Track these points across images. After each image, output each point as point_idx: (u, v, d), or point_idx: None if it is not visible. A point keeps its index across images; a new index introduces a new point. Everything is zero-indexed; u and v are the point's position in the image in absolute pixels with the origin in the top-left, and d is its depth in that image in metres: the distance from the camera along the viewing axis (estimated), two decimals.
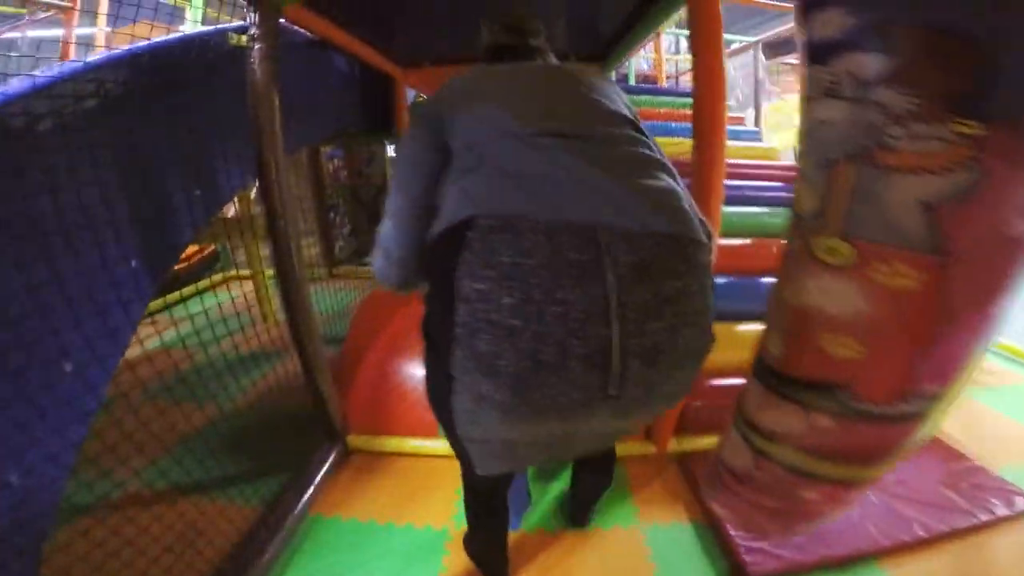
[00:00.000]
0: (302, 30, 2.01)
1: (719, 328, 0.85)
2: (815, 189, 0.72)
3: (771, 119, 5.25)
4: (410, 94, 3.76)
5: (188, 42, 1.49)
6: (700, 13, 1.42)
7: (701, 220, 0.83)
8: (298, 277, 1.71)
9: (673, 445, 1.96)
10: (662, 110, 3.27)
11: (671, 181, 0.84)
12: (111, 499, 1.52)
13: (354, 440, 2.04)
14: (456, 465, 1.13)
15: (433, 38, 2.50)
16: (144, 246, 1.28)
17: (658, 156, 0.88)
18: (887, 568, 1.47)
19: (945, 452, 1.89)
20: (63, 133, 1.03)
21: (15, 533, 0.89)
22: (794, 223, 0.79)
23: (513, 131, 0.81)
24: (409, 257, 0.96)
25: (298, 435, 2.00)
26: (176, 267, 3.74)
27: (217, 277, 4.69)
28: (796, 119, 0.78)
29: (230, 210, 2.96)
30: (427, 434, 1.97)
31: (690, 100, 1.49)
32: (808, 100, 0.72)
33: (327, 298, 2.78)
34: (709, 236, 0.83)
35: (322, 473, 1.83)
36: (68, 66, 1.12)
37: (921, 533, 1.51)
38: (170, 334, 1.74)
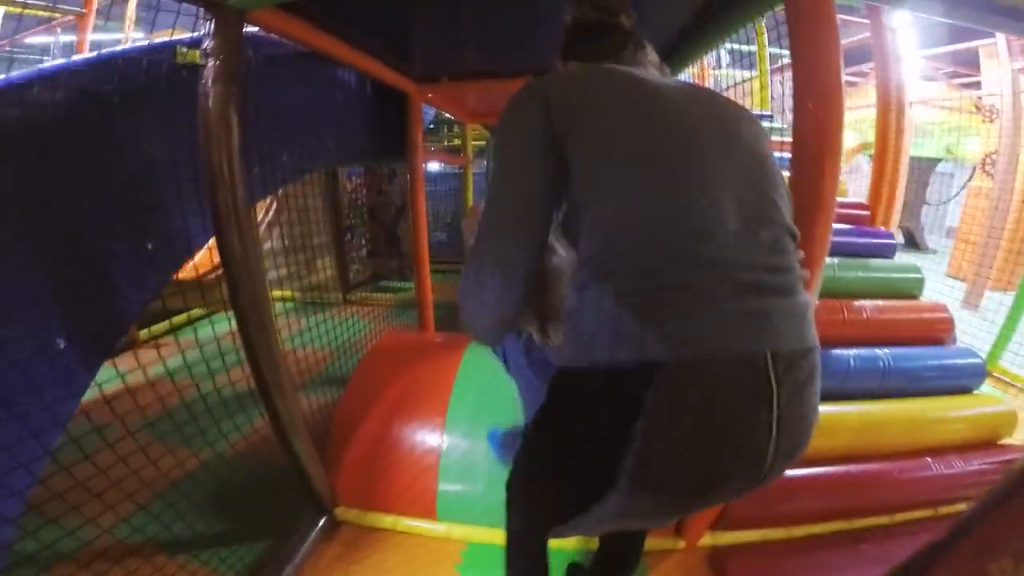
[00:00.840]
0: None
1: None
2: None
3: None
4: (427, 112, 3.48)
5: (133, 58, 1.17)
6: (805, 16, 1.03)
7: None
8: (275, 360, 1.40)
9: (707, 539, 1.73)
10: None
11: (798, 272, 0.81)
12: (75, 551, 1.38)
13: (343, 513, 1.86)
14: (453, 547, 1.29)
15: (454, 50, 2.20)
16: (72, 322, 0.97)
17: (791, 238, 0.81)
18: None
19: None
20: None
21: None
22: None
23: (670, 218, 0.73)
24: (516, 310, 0.85)
25: (285, 495, 1.82)
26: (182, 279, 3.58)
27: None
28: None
29: None
30: (424, 514, 1.80)
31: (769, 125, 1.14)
32: None
33: (337, 329, 2.46)
34: None
35: (306, 544, 1.69)
36: None
37: None
38: (175, 361, 1.53)
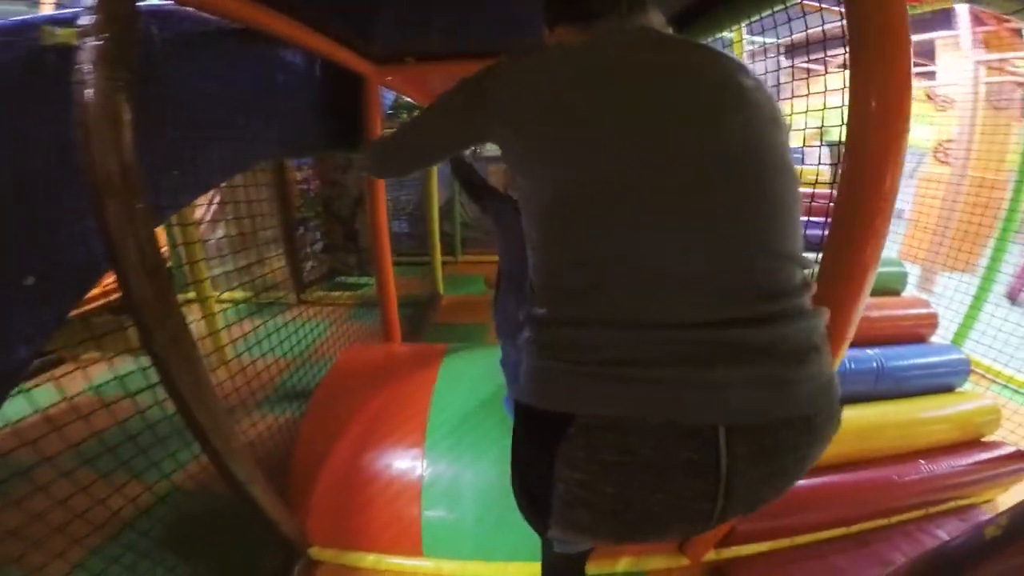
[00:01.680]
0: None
1: None
2: None
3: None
4: (387, 96, 3.22)
5: None
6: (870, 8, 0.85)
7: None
8: (213, 409, 1.17)
9: (710, 555, 1.68)
10: None
11: (813, 318, 0.68)
12: None
13: (319, 553, 1.68)
14: None
15: (422, 28, 1.97)
16: None
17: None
18: None
19: None
20: None
21: None
22: None
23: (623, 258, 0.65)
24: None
25: (254, 533, 1.56)
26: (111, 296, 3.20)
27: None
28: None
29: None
30: (409, 550, 1.63)
31: None
32: None
33: (292, 334, 2.18)
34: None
35: None
36: None
37: None
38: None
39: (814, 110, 1.33)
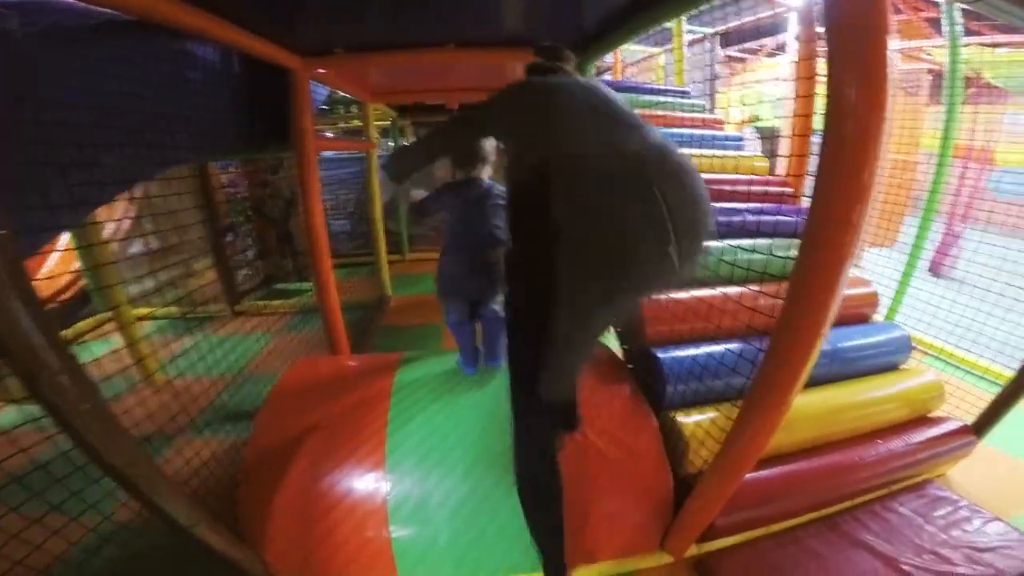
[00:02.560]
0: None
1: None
2: None
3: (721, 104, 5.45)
4: (320, 91, 3.00)
5: None
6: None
7: None
8: (131, 451, 1.00)
9: (692, 551, 1.67)
10: (684, 116, 2.69)
11: None
12: None
13: None
14: None
15: (354, 16, 1.81)
16: None
17: None
18: None
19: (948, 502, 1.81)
20: None
21: None
22: None
23: None
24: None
25: (212, 566, 1.38)
26: None
27: (87, 323, 3.61)
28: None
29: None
30: (383, 574, 1.49)
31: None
32: None
33: (227, 349, 2.01)
34: None
35: None
36: None
37: None
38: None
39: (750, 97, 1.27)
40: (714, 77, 4.50)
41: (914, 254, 3.24)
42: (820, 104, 0.90)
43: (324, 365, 2.11)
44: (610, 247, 0.97)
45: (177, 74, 1.61)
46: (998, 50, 4.50)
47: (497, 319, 2.47)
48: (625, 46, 5.56)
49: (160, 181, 3.00)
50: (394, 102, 4.32)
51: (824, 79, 0.85)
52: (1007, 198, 4.36)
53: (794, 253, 1.00)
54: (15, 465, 1.09)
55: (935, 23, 4.56)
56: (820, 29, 1.01)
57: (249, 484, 1.59)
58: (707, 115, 3.06)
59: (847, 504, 1.80)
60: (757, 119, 6.16)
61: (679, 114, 2.80)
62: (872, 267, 3.26)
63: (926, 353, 3.04)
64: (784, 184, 2.54)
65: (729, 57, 6.50)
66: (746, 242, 1.80)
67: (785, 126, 4.94)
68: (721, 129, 3.02)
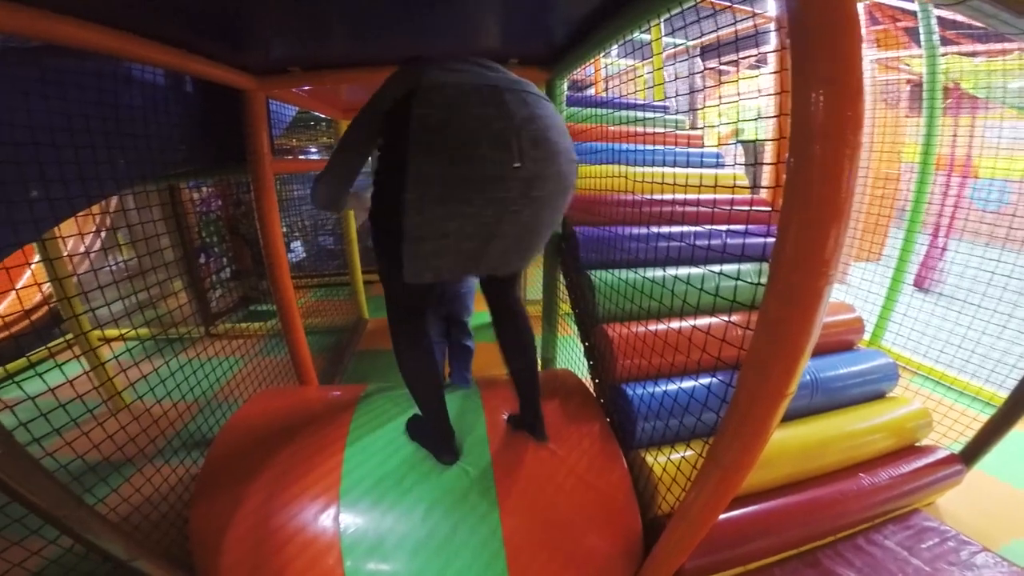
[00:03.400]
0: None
1: None
2: None
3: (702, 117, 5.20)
4: (285, 111, 2.91)
5: None
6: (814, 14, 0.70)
7: None
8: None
9: None
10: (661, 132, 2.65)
11: None
12: None
13: None
14: None
15: (313, 33, 1.72)
16: None
17: None
18: None
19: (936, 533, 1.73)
20: None
21: None
22: None
23: None
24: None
25: None
26: None
27: (58, 342, 3.45)
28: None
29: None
30: None
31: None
32: None
33: (198, 374, 1.94)
34: None
35: None
36: None
37: None
38: None
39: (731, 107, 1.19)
40: (694, 90, 4.47)
41: (900, 268, 3.19)
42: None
43: (284, 397, 2.01)
44: (456, 149, 1.06)
45: (113, 96, 1.51)
46: (975, 59, 4.52)
47: (467, 345, 2.42)
48: (610, 60, 5.55)
49: (130, 199, 2.92)
50: None
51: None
52: (990, 209, 4.35)
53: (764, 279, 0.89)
54: None
55: (912, 33, 4.56)
56: None
57: (200, 518, 1.49)
58: (687, 131, 3.00)
59: (829, 539, 1.70)
60: (740, 132, 6.14)
61: (658, 130, 2.74)
62: (858, 283, 3.21)
63: (915, 373, 2.97)
64: (764, 203, 2.48)
65: (709, 69, 6.50)
66: (715, 268, 1.71)
67: (767, 141, 4.93)
68: (701, 145, 2.96)
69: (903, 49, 4.69)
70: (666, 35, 4.13)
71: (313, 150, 5.73)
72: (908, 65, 5.05)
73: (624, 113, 2.70)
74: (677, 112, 3.48)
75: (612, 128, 2.22)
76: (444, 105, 1.07)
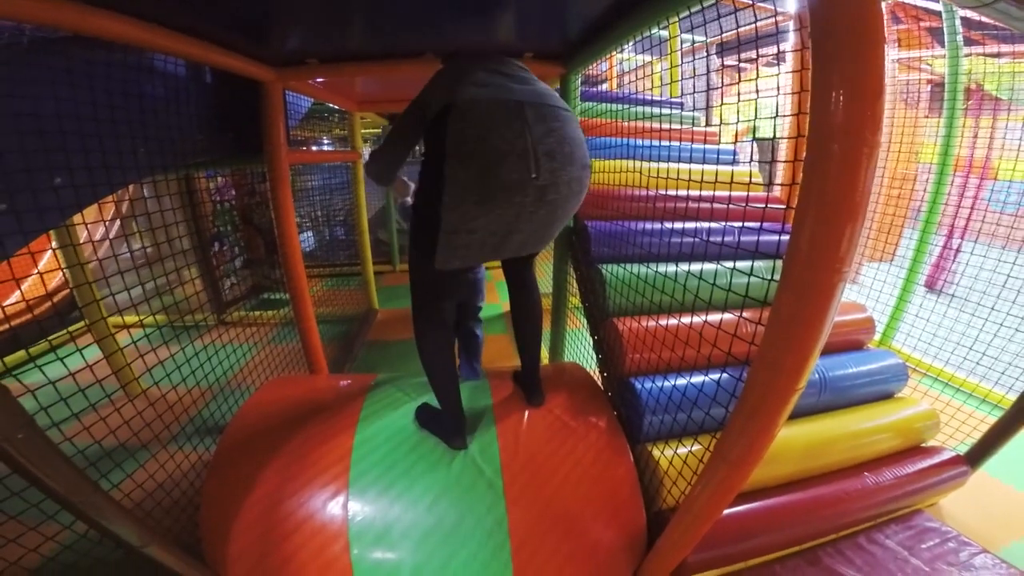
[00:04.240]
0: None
1: None
2: None
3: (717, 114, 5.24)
4: (300, 102, 2.93)
5: None
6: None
7: None
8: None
9: None
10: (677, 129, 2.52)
11: None
12: None
13: None
14: None
15: (331, 26, 1.74)
16: None
17: None
18: None
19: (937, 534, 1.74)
20: None
21: None
22: None
23: None
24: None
25: None
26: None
27: (74, 328, 3.52)
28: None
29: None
30: None
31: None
32: None
33: (211, 360, 1.96)
34: None
35: None
36: None
37: None
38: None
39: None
40: (711, 87, 4.43)
41: (913, 269, 3.16)
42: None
43: (295, 386, 2.04)
44: (485, 162, 1.23)
45: (135, 87, 1.54)
46: (999, 60, 4.43)
47: (477, 333, 2.45)
48: (625, 56, 5.51)
49: (146, 187, 2.97)
50: (383, 111, 4.26)
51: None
52: (1008, 211, 4.28)
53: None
54: None
55: (935, 33, 4.48)
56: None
57: (210, 505, 1.53)
58: (703, 128, 2.98)
59: (830, 537, 1.71)
60: (756, 130, 6.09)
61: (673, 127, 2.72)
62: (870, 282, 3.19)
63: (924, 375, 2.95)
64: (778, 201, 2.47)
65: (726, 66, 6.44)
66: (728, 264, 1.71)
67: (784, 139, 4.87)
68: (716, 142, 2.95)
69: (925, 49, 4.62)
70: (684, 32, 4.11)
71: (326, 141, 5.76)
72: (930, 65, 4.97)
73: (638, 108, 2.70)
74: (694, 108, 3.47)
75: (626, 123, 2.22)
76: (476, 122, 1.24)
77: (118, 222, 3.61)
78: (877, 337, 3.17)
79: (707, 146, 2.76)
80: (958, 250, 4.49)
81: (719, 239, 1.76)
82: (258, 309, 4.20)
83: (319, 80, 2.65)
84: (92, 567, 1.47)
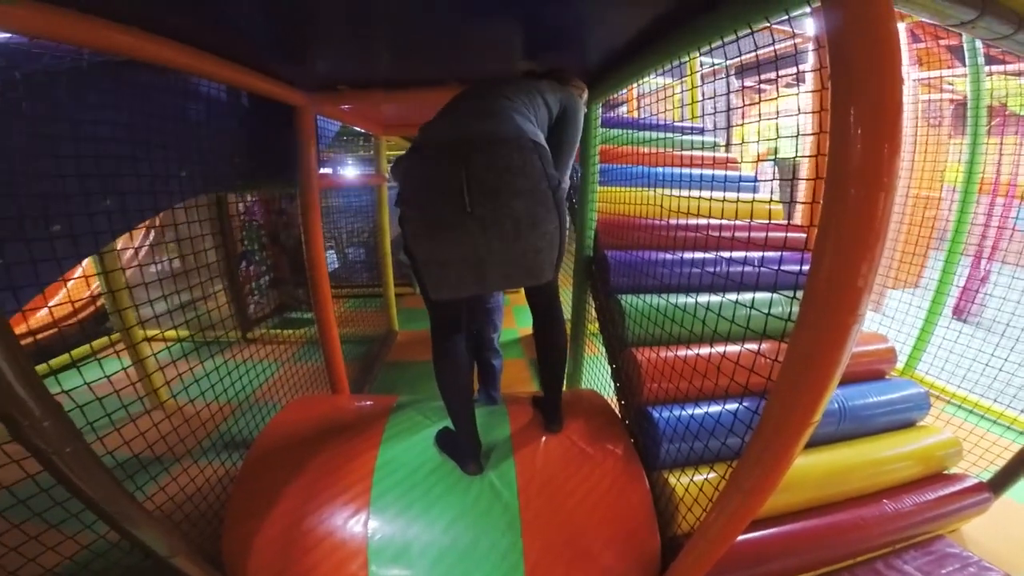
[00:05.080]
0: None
1: None
2: None
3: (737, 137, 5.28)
4: (330, 126, 3.05)
5: None
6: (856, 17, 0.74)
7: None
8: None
9: None
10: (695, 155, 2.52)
11: None
12: None
13: None
14: None
15: (362, 55, 1.85)
16: None
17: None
18: None
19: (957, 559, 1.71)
20: None
21: None
22: None
23: None
24: None
25: None
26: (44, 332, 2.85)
27: (101, 341, 3.65)
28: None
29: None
30: None
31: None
32: None
33: (235, 376, 2.02)
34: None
35: None
36: None
37: None
38: None
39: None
40: (730, 110, 4.45)
41: (938, 298, 3.10)
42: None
43: (318, 405, 2.09)
44: (426, 200, 1.34)
45: (178, 110, 1.65)
46: (1022, 79, 4.38)
47: (494, 363, 2.47)
48: (643, 80, 5.54)
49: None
50: (408, 135, 4.38)
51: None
52: None
53: (795, 308, 0.91)
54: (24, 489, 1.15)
55: (956, 51, 4.45)
56: None
57: (234, 519, 1.58)
58: (722, 153, 3.01)
59: (848, 562, 1.70)
60: (775, 152, 6.07)
61: (692, 153, 2.74)
62: (893, 311, 3.14)
63: (949, 402, 2.88)
64: (798, 229, 2.46)
65: (745, 88, 6.47)
66: (745, 296, 1.72)
67: (804, 162, 4.84)
68: (737, 169, 2.96)
69: (946, 68, 4.59)
70: (703, 55, 4.15)
71: (349, 162, 5.91)
72: (951, 84, 4.93)
73: (657, 135, 2.73)
74: (715, 130, 3.49)
75: (645, 151, 2.26)
76: (418, 163, 1.38)
77: (150, 238, 3.74)
78: (900, 365, 3.12)
79: (728, 172, 2.78)
80: (985, 277, 4.39)
81: (738, 270, 1.78)
82: (281, 327, 4.29)
83: (346, 106, 2.76)
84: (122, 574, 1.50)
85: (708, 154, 2.92)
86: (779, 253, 1.52)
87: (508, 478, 1.59)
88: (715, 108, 2.27)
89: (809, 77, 3.73)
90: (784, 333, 0.96)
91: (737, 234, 1.70)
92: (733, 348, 1.53)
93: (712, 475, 1.56)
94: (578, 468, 1.61)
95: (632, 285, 2.02)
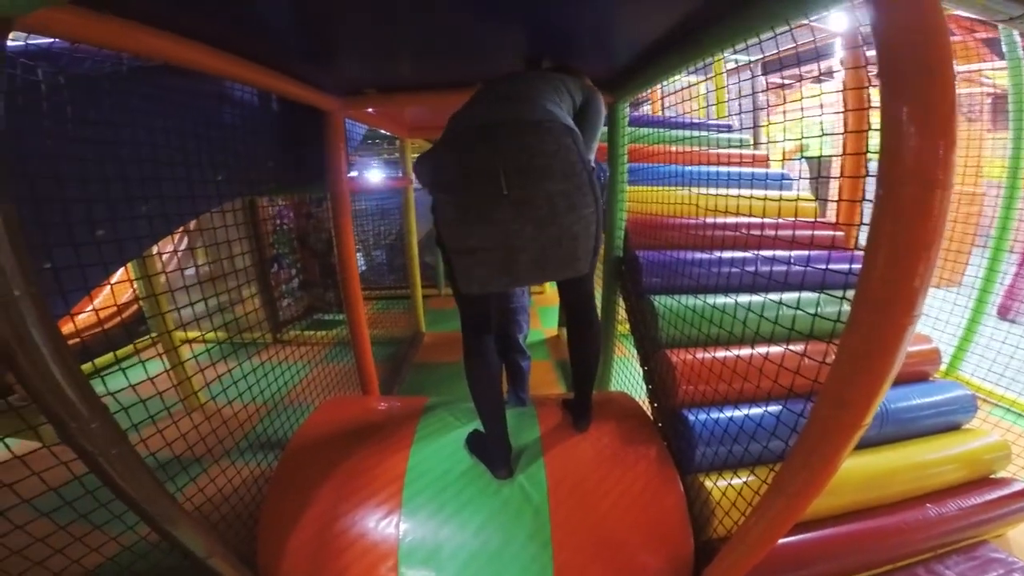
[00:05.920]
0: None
1: None
2: None
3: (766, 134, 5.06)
4: (357, 129, 3.09)
5: None
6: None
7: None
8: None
9: None
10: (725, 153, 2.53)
11: None
12: None
13: None
14: None
15: (388, 59, 1.87)
16: None
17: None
18: None
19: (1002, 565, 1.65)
20: None
21: None
22: None
23: None
24: None
25: None
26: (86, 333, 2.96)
27: (143, 342, 3.76)
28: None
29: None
30: None
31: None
32: None
33: (268, 378, 2.04)
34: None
35: None
36: None
37: None
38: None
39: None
40: (758, 107, 4.38)
41: (982, 297, 2.99)
42: (874, 139, 0.79)
43: (350, 406, 2.12)
44: (460, 184, 1.33)
45: (214, 116, 1.68)
46: None
47: (521, 364, 2.46)
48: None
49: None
50: (432, 138, 4.42)
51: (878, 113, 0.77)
52: None
53: (844, 308, 0.88)
54: (71, 491, 1.14)
55: (992, 44, 4.28)
56: (869, 53, 0.92)
57: (268, 522, 1.60)
58: (752, 151, 2.95)
59: (887, 567, 1.64)
60: (805, 149, 5.93)
61: (723, 151, 2.70)
62: (935, 311, 3.03)
63: (996, 405, 2.77)
64: (834, 227, 2.40)
65: (772, 84, 6.34)
66: (789, 296, 1.68)
67: (835, 157, 4.72)
68: (767, 166, 2.90)
69: (982, 61, 4.43)
70: (729, 53, 4.09)
71: (375, 165, 6.00)
72: (990, 78, 4.75)
73: (685, 133, 2.70)
74: (741, 128, 3.43)
75: (674, 149, 2.23)
76: (451, 147, 1.37)
77: (184, 242, 3.85)
78: (943, 367, 3.01)
79: (756, 170, 2.73)
80: None
81: (779, 269, 1.74)
82: (312, 329, 4.36)
83: (373, 110, 2.80)
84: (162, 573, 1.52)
85: (737, 151, 2.87)
86: (826, 252, 1.48)
87: (538, 480, 1.58)
88: (740, 107, 2.24)
89: (836, 73, 3.64)
90: (832, 334, 0.92)
91: (775, 232, 1.67)
92: (774, 350, 1.50)
93: (751, 479, 1.52)
94: (609, 471, 1.59)
95: (665, 285, 1.99)
